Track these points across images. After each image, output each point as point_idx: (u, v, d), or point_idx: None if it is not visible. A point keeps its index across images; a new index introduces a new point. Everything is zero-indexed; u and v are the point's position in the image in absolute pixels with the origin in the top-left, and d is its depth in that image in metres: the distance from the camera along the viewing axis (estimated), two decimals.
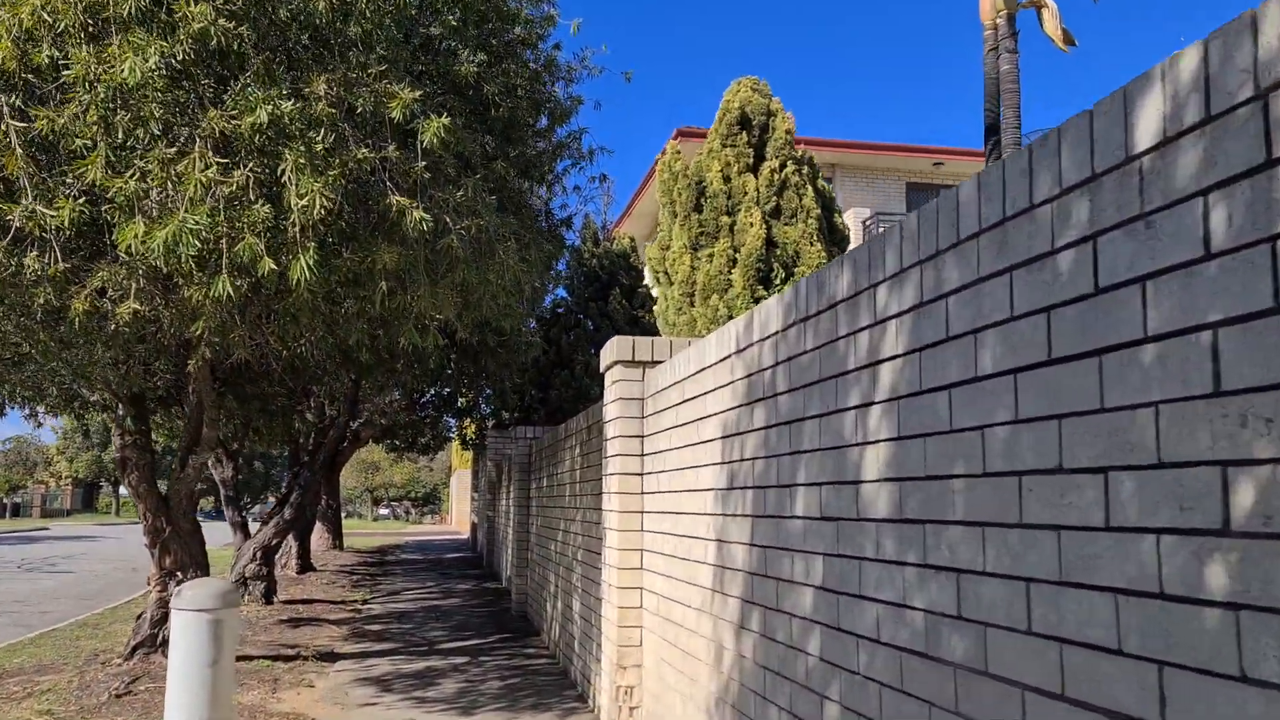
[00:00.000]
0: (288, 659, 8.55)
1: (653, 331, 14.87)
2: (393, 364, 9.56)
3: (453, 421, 24.23)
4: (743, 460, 3.61)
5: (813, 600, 2.91)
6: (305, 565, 16.04)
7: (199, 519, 13.93)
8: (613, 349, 5.46)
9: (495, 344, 9.57)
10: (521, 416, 20.15)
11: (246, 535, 12.41)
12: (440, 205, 5.54)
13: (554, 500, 9.04)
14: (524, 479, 11.42)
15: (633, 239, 15.24)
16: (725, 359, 3.83)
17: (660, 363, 5.26)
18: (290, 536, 15.81)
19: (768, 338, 3.36)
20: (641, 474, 5.32)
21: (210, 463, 13.14)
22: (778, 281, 9.17)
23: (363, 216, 5.79)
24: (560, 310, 14.40)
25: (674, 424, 4.67)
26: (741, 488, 3.62)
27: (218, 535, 21.89)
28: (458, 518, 43.70)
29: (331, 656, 8.79)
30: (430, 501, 77.55)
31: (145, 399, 8.09)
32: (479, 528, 22.79)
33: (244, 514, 12.49)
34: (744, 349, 3.61)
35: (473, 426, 23.39)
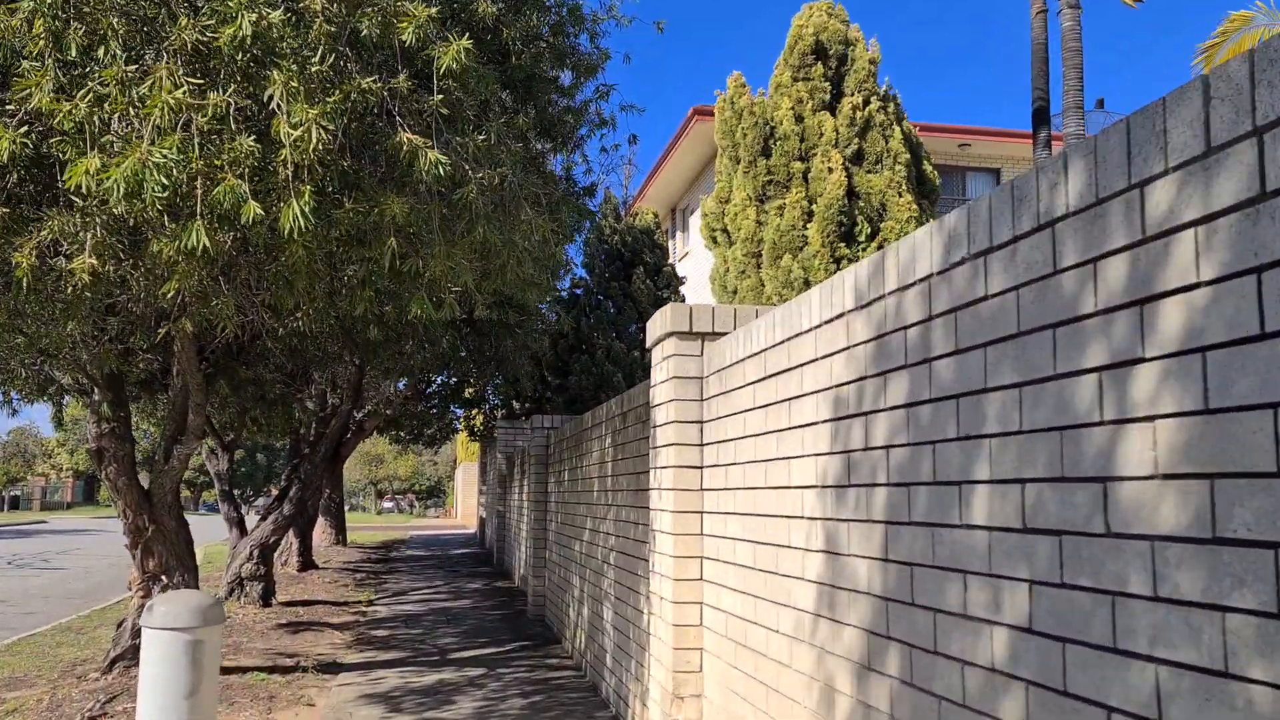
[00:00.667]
0: (286, 670, 7.73)
1: None
2: (401, 345, 8.72)
3: (460, 412, 23.46)
4: (868, 449, 2.75)
5: (1010, 646, 2.06)
6: (307, 563, 15.23)
7: (203, 512, 13.10)
8: (665, 319, 4.61)
9: (515, 322, 8.69)
10: (534, 406, 19.34)
11: (243, 532, 11.59)
12: (458, 151, 4.69)
13: (578, 496, 8.21)
14: (541, 472, 10.59)
15: (656, 214, 14.26)
16: (836, 319, 2.98)
17: (723, 334, 4.42)
18: (291, 533, 15.01)
19: (912, 284, 2.51)
20: (701, 467, 4.48)
21: (204, 455, 12.33)
22: (862, 238, 8.11)
23: (367, 164, 4.94)
24: (579, 291, 13.48)
25: (749, 406, 3.82)
26: (865, 485, 2.77)
27: (222, 530, 21.09)
28: (463, 511, 42.96)
29: (334, 667, 7.97)
30: (434, 495, 76.89)
31: (123, 382, 7.25)
32: (487, 523, 21.99)
33: (241, 509, 11.66)
34: (869, 303, 2.75)
35: (480, 417, 22.63)
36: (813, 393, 3.16)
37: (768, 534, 3.58)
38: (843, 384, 2.93)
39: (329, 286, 5.62)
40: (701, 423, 4.50)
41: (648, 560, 5.23)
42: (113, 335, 5.83)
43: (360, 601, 12.10)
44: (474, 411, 21.39)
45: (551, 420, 10.78)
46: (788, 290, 8.10)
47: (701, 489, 4.47)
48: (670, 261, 13.57)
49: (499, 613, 11.32)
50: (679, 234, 23.00)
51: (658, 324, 4.74)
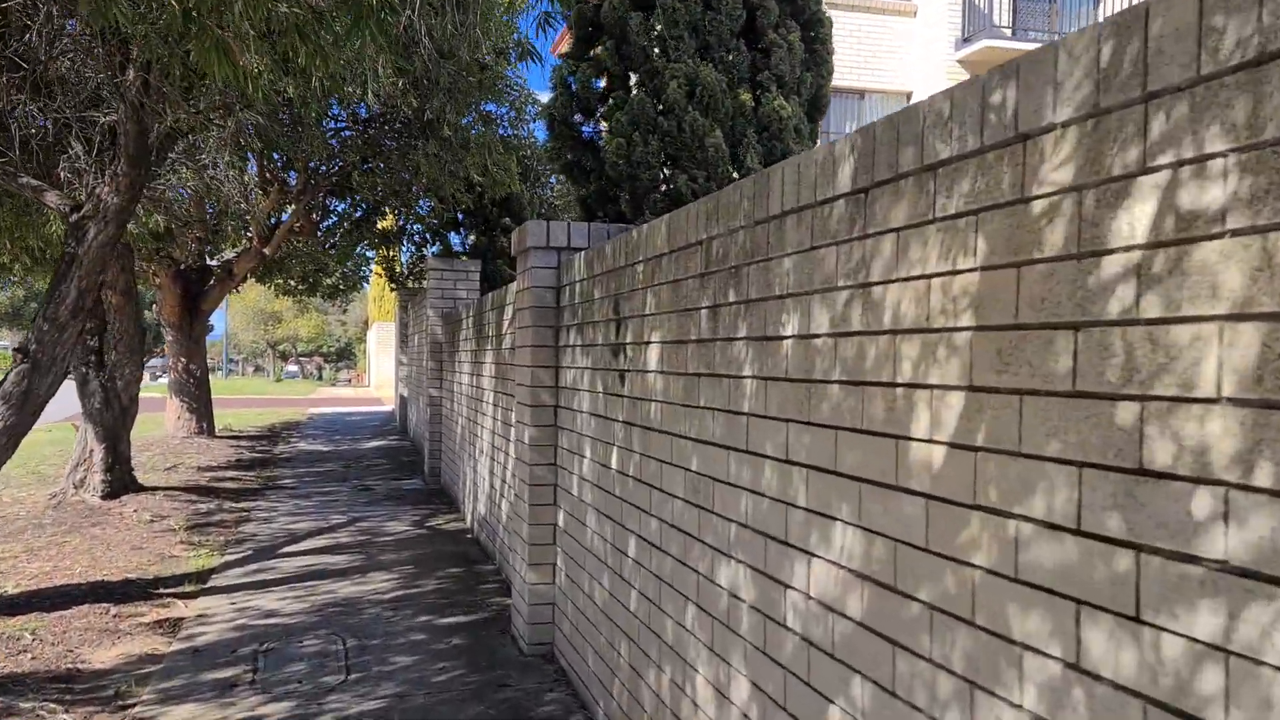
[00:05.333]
0: None
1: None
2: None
3: (371, 255, 17.50)
4: None
5: None
6: (123, 482, 9.40)
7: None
8: None
9: None
10: (485, 227, 13.66)
11: None
12: None
13: (767, 398, 2.61)
14: (546, 339, 4.95)
15: None
16: None
17: None
18: (92, 434, 9.18)
19: None
20: None
21: None
22: None
23: None
24: None
25: None
26: None
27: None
28: (378, 381, 37.07)
29: None
30: (345, 356, 70.38)
31: None
32: (411, 406, 16.28)
33: None
34: None
35: (398, 262, 16.79)
36: None
37: None
38: None
39: None
40: None
41: None
42: None
43: (181, 585, 6.42)
44: (389, 251, 15.46)
45: (566, 233, 5.06)
46: None
47: None
48: None
49: (457, 623, 5.79)
50: None
51: None
